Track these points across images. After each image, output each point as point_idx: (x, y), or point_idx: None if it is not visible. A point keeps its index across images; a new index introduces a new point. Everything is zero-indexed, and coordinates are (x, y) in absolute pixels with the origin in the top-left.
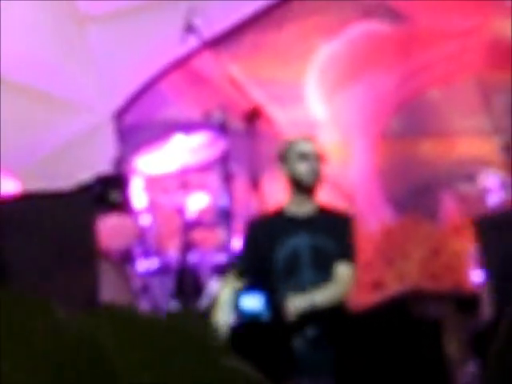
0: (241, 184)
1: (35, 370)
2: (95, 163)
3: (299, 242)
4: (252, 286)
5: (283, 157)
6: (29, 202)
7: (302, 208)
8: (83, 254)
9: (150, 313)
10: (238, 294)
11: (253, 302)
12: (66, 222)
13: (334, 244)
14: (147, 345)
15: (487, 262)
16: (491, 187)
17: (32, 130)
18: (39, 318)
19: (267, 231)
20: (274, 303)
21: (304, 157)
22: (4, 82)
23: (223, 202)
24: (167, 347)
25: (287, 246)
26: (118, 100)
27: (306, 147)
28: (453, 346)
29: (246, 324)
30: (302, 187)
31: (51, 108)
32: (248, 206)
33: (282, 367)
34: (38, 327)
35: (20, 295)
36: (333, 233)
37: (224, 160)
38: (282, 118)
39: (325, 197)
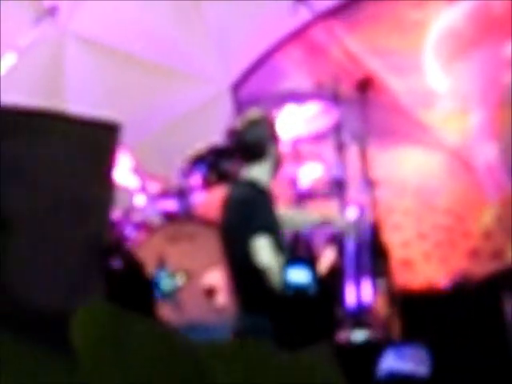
0: (354, 154)
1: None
2: (212, 135)
3: None
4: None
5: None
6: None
7: None
8: (87, 197)
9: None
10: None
11: (300, 275)
12: (82, 155)
13: None
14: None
15: None
16: None
17: (150, 102)
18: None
19: None
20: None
21: None
22: (126, 56)
23: (337, 171)
24: None
25: None
26: (236, 72)
27: None
28: None
29: (293, 297)
30: None
31: (170, 81)
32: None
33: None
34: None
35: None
36: None
37: (337, 130)
38: (400, 88)
39: (444, 167)
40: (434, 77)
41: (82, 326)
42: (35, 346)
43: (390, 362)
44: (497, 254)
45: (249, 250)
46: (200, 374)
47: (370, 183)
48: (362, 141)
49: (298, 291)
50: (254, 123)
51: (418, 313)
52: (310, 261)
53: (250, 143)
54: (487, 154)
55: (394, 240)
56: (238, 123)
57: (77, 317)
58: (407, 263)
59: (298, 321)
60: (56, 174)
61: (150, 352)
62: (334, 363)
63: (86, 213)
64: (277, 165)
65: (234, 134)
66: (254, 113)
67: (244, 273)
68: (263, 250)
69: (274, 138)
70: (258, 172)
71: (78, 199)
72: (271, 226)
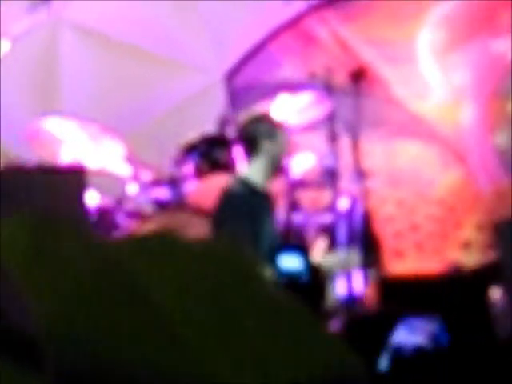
0: (347, 144)
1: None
2: (206, 124)
3: None
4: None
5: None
6: (19, 175)
7: None
8: None
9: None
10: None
11: (292, 262)
12: (56, 199)
13: None
14: (182, 271)
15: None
16: None
17: (144, 91)
18: (67, 241)
19: None
20: (312, 263)
21: None
22: (120, 45)
23: (329, 161)
24: (202, 274)
25: None
26: (230, 61)
27: None
28: None
29: (285, 284)
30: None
31: (164, 70)
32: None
33: None
34: (66, 250)
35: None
36: None
37: (330, 120)
38: (394, 78)
39: (438, 158)
40: (428, 68)
41: (8, 239)
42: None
43: (401, 335)
44: (489, 246)
45: None
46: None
47: (361, 174)
48: (354, 131)
49: (291, 278)
50: (253, 119)
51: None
52: (302, 248)
53: (245, 138)
54: (481, 145)
55: (387, 231)
56: (242, 117)
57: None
58: (399, 254)
59: None
60: None
61: (80, 263)
62: (250, 251)
63: None
64: (273, 164)
65: (238, 128)
66: (257, 109)
67: None
68: None
69: (270, 136)
70: (250, 170)
71: None
72: (254, 230)
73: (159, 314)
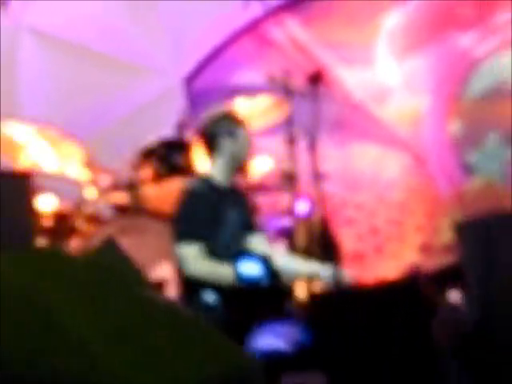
0: (305, 147)
1: None
2: (166, 128)
3: None
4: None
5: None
6: None
7: None
8: (19, 237)
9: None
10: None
11: (251, 268)
12: (3, 203)
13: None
14: (70, 281)
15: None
16: None
17: (104, 96)
18: None
19: None
20: (272, 268)
21: None
22: (80, 50)
23: (287, 165)
24: (89, 283)
25: None
26: (188, 65)
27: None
28: None
29: (245, 289)
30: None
31: (123, 74)
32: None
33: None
34: None
35: None
36: None
37: (288, 123)
38: (353, 82)
39: (397, 161)
40: (388, 71)
41: None
42: None
43: (263, 339)
44: (448, 249)
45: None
46: None
47: (319, 177)
48: (312, 134)
49: (250, 284)
50: (214, 117)
51: None
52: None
53: (205, 136)
54: (440, 148)
55: (347, 234)
56: (204, 114)
57: None
58: (359, 257)
59: (247, 312)
60: None
61: None
62: (126, 257)
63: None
64: (234, 163)
65: (199, 126)
66: (218, 108)
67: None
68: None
69: (231, 134)
70: (211, 168)
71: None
72: (211, 225)
73: (62, 328)
